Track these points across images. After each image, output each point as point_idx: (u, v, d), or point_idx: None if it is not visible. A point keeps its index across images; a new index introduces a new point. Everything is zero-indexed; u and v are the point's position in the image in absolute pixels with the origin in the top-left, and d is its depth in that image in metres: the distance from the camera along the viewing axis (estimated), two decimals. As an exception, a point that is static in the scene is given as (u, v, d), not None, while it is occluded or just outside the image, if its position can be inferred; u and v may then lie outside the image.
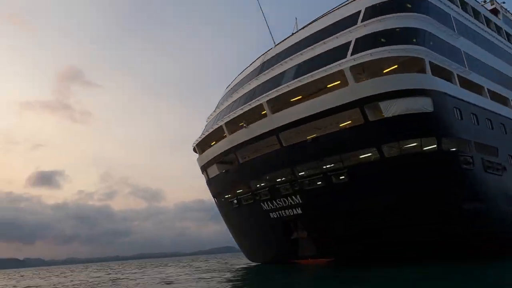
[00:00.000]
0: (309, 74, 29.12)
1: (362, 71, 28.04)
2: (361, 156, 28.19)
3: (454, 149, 26.39)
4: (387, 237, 27.57)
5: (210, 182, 42.14)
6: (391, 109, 25.56)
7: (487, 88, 32.21)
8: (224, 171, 38.25)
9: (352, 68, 26.69)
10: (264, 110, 32.21)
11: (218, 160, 38.69)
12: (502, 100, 34.56)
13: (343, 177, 28.29)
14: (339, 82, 28.32)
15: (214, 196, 43.23)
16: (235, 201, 38.16)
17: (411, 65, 27.31)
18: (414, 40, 27.92)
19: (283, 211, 33.15)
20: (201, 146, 41.93)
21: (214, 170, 40.07)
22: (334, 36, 30.48)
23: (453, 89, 27.50)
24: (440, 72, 28.42)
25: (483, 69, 33.07)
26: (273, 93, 31.33)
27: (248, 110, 33.38)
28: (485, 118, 29.89)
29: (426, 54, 26.66)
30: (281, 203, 33.02)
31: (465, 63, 30.94)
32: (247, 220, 38.46)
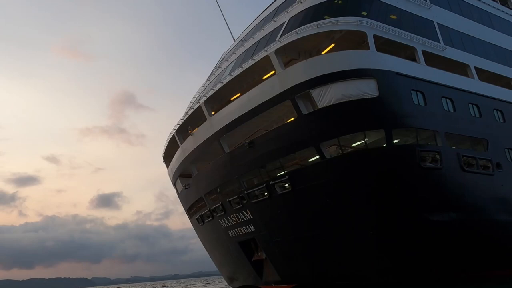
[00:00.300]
0: (239, 66, 24.62)
1: (298, 55, 23.10)
2: (301, 159, 23.03)
3: (411, 143, 20.52)
4: (343, 262, 22.11)
5: (179, 198, 38.35)
6: (325, 97, 20.36)
7: (475, 67, 25.62)
8: (184, 185, 34.31)
9: (278, 52, 21.88)
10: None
11: (179, 173, 34.86)
12: (501, 81, 27.62)
13: (287, 185, 23.20)
14: (273, 72, 23.51)
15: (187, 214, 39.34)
16: (198, 218, 34.00)
17: (355, 42, 21.92)
18: (362, 12, 22.57)
19: (238, 228, 28.39)
20: (167, 159, 38.35)
21: (179, 185, 36.33)
22: (273, 20, 25.84)
23: (411, 68, 21.63)
24: (398, 49, 22.76)
25: (469, 43, 26.53)
26: (209, 92, 27.09)
27: (191, 114, 29.34)
28: (467, 103, 23.48)
29: (368, 27, 21.21)
30: (234, 219, 28.31)
31: (439, 37, 24.79)
32: (212, 240, 34.07)
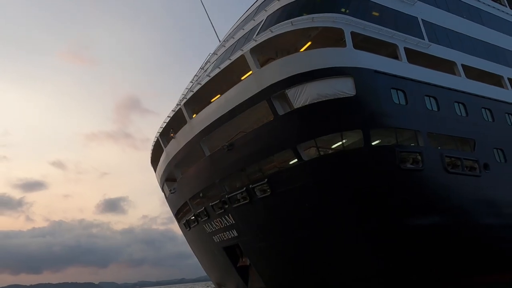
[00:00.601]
0: (217, 67, 23.94)
1: (275, 54, 22.34)
2: (281, 162, 22.24)
3: (390, 144, 19.66)
4: (326, 268, 21.30)
5: (167, 202, 37.68)
6: (301, 97, 19.59)
7: (462, 64, 24.68)
8: (170, 190, 33.64)
9: (253, 51, 21.15)
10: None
11: (165, 177, 34.21)
12: (491, 79, 26.63)
13: (266, 189, 22.39)
14: (251, 72, 22.78)
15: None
16: (185, 223, 33.30)
17: (333, 40, 21.13)
18: (342, 9, 21.79)
19: (222, 233, 27.61)
20: (154, 163, 37.72)
21: (167, 189, 35.67)
22: (252, 19, 25.16)
23: (391, 66, 20.78)
24: (380, 46, 21.95)
25: (456, 40, 25.59)
26: (189, 94, 26.43)
27: (173, 117, 28.68)
28: (453, 102, 22.55)
29: (345, 23, 20.41)
30: (218, 224, 27.56)
31: (424, 34, 23.90)
32: (199, 245, 33.32)
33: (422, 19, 24.29)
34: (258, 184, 22.30)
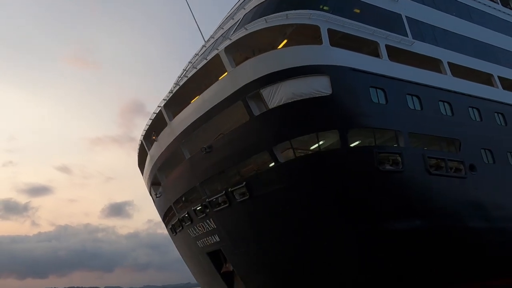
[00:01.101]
0: (194, 67, 23.31)
1: (252, 53, 21.65)
2: (260, 164, 21.50)
3: (367, 145, 18.87)
4: (306, 274, 20.51)
5: (155, 207, 37.01)
6: (275, 97, 18.89)
7: (448, 62, 23.83)
8: (155, 194, 32.98)
9: (228, 50, 20.47)
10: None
11: (151, 181, 33.55)
12: (481, 77, 25.75)
13: (245, 191, 21.65)
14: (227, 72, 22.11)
15: (164, 224, 37.95)
16: (171, 228, 32.62)
17: (310, 37, 20.40)
18: (321, 6, 21.07)
19: (205, 238, 26.88)
20: (141, 166, 37.09)
21: (154, 194, 35.03)
22: (232, 18, 24.53)
23: (371, 64, 20.02)
24: (361, 44, 21.20)
25: (442, 38, 24.75)
26: (168, 95, 25.80)
27: (154, 119, 28.05)
28: (437, 101, 21.71)
29: (322, 20, 19.69)
30: (201, 229, 26.84)
31: (408, 31, 23.11)
32: (185, 250, 32.59)
33: (406, 16, 23.50)
34: (236, 187, 21.58)
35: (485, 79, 26.06)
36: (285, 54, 19.09)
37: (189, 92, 24.79)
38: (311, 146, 20.28)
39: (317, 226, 19.09)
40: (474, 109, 23.22)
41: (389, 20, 22.87)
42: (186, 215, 27.49)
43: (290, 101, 18.51)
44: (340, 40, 20.73)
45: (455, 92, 22.64)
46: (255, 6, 21.85)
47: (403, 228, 18.35)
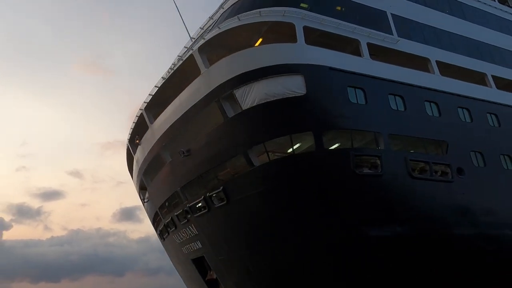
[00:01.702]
0: (171, 68, 22.71)
1: (229, 53, 20.92)
2: (238, 168, 20.71)
3: (344, 147, 17.96)
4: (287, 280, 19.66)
5: (146, 212, 36.43)
6: (248, 97, 18.16)
7: (436, 61, 22.78)
8: (143, 199, 32.42)
9: (202, 50, 19.81)
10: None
11: (139, 186, 32.99)
12: (474, 77, 24.62)
13: (223, 196, 20.88)
14: (202, 73, 21.41)
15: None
16: (159, 234, 32.00)
17: (288, 36, 19.59)
18: (302, 4, 20.28)
19: (189, 245, 26.19)
20: (130, 171, 36.59)
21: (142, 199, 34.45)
22: (211, 18, 23.92)
23: (350, 62, 19.12)
24: (343, 43, 20.32)
25: (431, 36, 23.71)
26: (148, 97, 25.23)
27: (137, 122, 27.54)
28: (423, 101, 20.69)
29: (298, 17, 18.89)
30: (184, 235, 26.17)
31: (393, 29, 22.15)
32: (173, 257, 31.92)
33: (391, 13, 22.54)
34: (214, 192, 20.86)
35: (479, 78, 24.92)
36: (257, 53, 18.37)
37: (169, 93, 24.19)
38: (289, 149, 19.46)
39: (295, 233, 18.24)
40: (464, 110, 22.12)
41: (373, 18, 21.96)
42: (170, 221, 26.89)
43: (263, 101, 17.75)
44: (319, 38, 19.93)
45: (443, 92, 21.59)
46: (232, 5, 21.18)
47: (382, 235, 17.35)
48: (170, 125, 22.69)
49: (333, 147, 18.99)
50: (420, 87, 20.83)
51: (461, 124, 21.55)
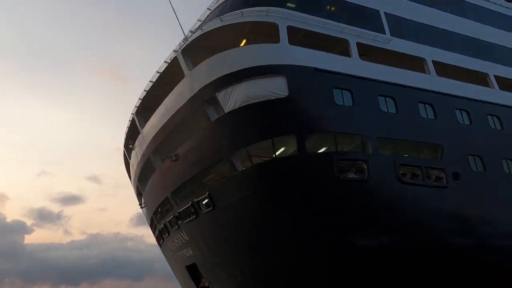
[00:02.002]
0: (157, 71, 22.33)
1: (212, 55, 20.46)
2: (223, 173, 20.13)
3: (328, 151, 17.16)
4: None
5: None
6: (230, 100, 17.60)
7: (433, 61, 21.76)
8: (140, 205, 32.12)
9: (186, 52, 19.39)
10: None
11: (137, 191, 32.75)
12: (475, 77, 23.45)
13: (209, 202, 20.31)
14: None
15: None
16: (156, 240, 31.65)
17: (273, 36, 18.92)
18: (288, 4, 19.65)
19: (181, 251, 25.71)
20: (129, 177, 36.40)
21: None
22: (198, 20, 23.45)
23: (338, 63, 18.33)
24: (332, 43, 19.57)
25: (427, 35, 22.69)
26: (138, 102, 24.93)
27: (130, 127, 27.28)
28: (417, 103, 19.73)
29: (281, 17, 18.26)
30: (176, 241, 25.72)
31: (386, 28, 21.27)
32: (170, 263, 31.48)
33: (385, 12, 21.68)
34: (200, 198, 20.33)
35: (480, 79, 23.75)
36: (239, 54, 17.78)
37: (158, 97, 23.84)
38: (274, 153, 18.75)
39: (278, 241, 17.50)
40: (463, 112, 21.03)
41: (365, 17, 21.16)
42: (164, 227, 26.51)
43: (244, 104, 17.15)
44: (307, 39, 19.25)
45: (439, 93, 20.57)
46: (219, 5, 20.70)
47: (368, 245, 16.43)
48: (159, 130, 22.30)
49: (320, 151, 18.19)
50: (414, 88, 19.89)
51: (459, 126, 20.47)
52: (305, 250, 16.97)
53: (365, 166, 16.77)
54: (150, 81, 22.84)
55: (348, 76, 18.18)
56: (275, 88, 16.87)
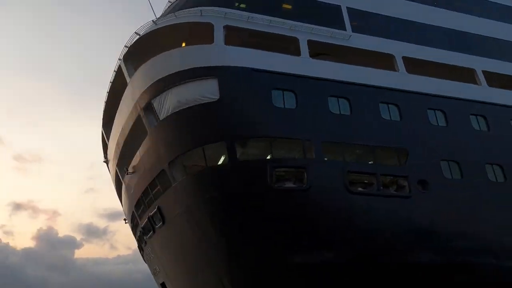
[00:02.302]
0: (110, 81, 21.68)
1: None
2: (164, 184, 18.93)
3: (263, 158, 15.53)
4: None
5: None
6: (164, 107, 16.55)
7: (404, 57, 19.56)
8: (124, 219, 31.56)
9: (127, 59, 18.65)
10: None
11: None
12: (460, 73, 20.87)
13: (160, 216, 19.20)
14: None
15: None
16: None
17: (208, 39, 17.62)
18: (236, 4, 18.48)
19: (154, 268, 24.79)
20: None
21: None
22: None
23: (282, 63, 16.76)
24: (286, 43, 18.06)
25: (398, 29, 20.52)
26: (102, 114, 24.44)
27: (103, 140, 26.83)
28: (378, 103, 17.67)
29: (218, 17, 17.05)
30: (148, 257, 24.96)
31: (347, 24, 19.44)
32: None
33: (347, 7, 19.87)
34: (152, 212, 19.27)
35: (467, 75, 21.16)
36: (171, 57, 16.70)
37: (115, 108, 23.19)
38: (217, 161, 17.30)
39: (215, 258, 16.03)
40: (437, 112, 18.66)
41: (325, 14, 19.49)
42: (138, 243, 25.77)
43: (176, 110, 16.01)
44: (255, 39, 17.88)
45: (407, 91, 18.39)
46: (168, 7, 19.88)
47: (308, 263, 14.54)
48: (117, 142, 21.60)
49: (252, 159, 16.44)
50: (374, 87, 17.87)
51: (430, 128, 18.10)
52: (241, 268, 15.35)
53: (304, 174, 14.97)
54: (107, 92, 22.23)
55: (291, 76, 16.56)
56: (206, 91, 15.62)
